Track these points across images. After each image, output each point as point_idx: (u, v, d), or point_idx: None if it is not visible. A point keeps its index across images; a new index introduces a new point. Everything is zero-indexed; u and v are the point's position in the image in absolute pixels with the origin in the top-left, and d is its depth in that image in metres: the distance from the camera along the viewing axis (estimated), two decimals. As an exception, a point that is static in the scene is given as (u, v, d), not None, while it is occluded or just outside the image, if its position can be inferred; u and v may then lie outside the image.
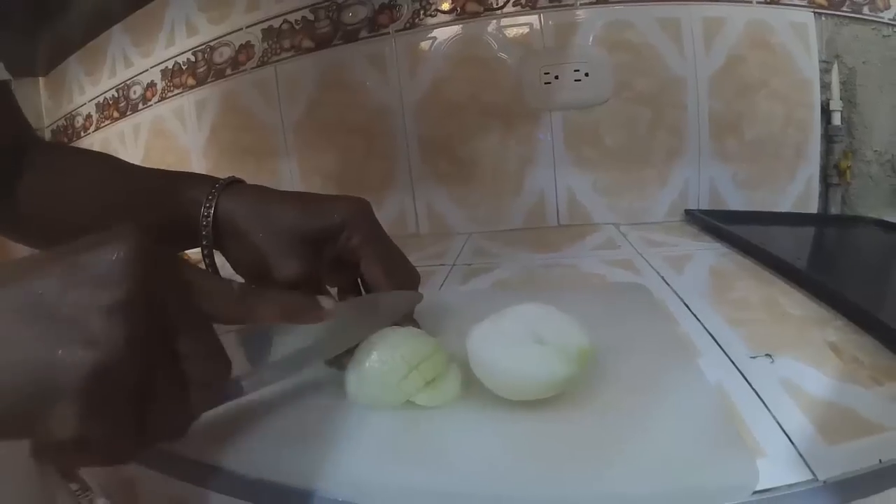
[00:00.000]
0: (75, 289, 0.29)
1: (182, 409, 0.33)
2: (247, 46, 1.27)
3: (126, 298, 0.29)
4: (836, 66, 1.11)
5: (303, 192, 0.58)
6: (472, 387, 0.47)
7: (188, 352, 0.33)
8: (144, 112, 1.44)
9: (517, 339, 0.45)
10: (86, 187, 0.60)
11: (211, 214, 0.55)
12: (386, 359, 0.46)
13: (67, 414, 0.27)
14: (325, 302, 0.44)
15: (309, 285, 0.53)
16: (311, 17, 1.20)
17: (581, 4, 1.08)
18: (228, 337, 0.40)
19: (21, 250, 0.67)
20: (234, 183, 0.58)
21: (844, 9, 1.10)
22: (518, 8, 1.10)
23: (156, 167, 0.63)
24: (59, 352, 0.27)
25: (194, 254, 0.58)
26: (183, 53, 1.35)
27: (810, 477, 0.37)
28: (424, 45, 1.15)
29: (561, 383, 0.44)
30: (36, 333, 0.27)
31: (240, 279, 0.55)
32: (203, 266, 0.56)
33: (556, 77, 1.09)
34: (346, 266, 0.57)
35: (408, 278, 0.58)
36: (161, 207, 0.58)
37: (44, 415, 0.27)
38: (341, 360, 0.50)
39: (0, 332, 0.27)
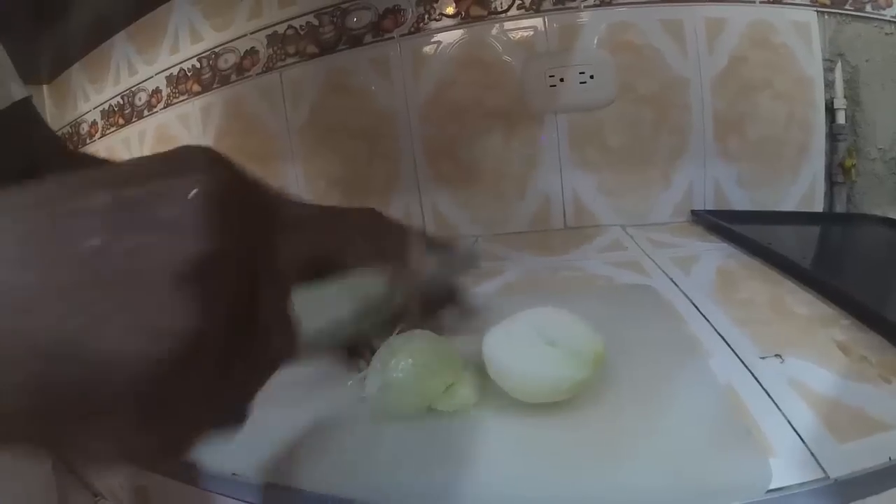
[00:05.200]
0: (123, 238, 0.20)
1: (247, 396, 0.26)
2: (251, 52, 1.27)
3: (207, 265, 0.21)
4: (839, 65, 1.11)
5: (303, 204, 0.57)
6: (486, 391, 0.47)
7: (265, 325, 0.25)
8: (149, 119, 1.44)
9: (532, 343, 0.45)
10: None
11: None
12: (408, 364, 0.46)
13: (119, 425, 0.20)
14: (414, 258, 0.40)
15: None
16: (315, 22, 1.21)
17: (584, 7, 1.09)
18: None
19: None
20: None
21: (847, 7, 1.10)
22: (522, 11, 1.11)
23: None
24: (107, 339, 0.19)
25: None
26: (188, 60, 1.35)
27: (822, 475, 0.37)
28: (429, 49, 1.15)
29: (577, 385, 0.44)
30: (66, 305, 0.19)
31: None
32: None
33: (562, 80, 1.10)
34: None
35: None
36: None
37: (83, 422, 0.20)
38: (359, 356, 0.51)
39: (24, 296, 0.19)
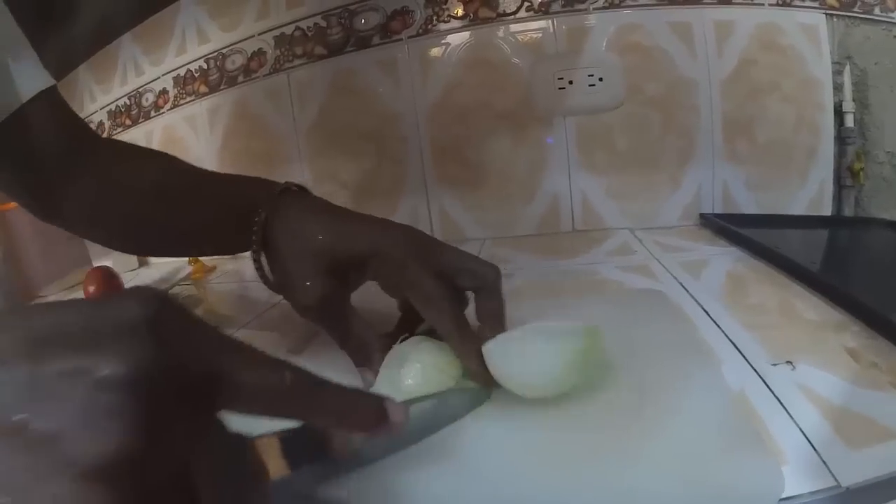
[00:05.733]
0: (37, 418, 0.19)
1: None
2: (259, 54, 1.27)
3: (110, 455, 0.19)
4: (847, 68, 1.11)
5: (345, 211, 0.56)
6: (491, 398, 0.48)
7: (207, 485, 0.24)
8: (156, 119, 1.44)
9: (531, 340, 0.47)
10: (148, 188, 0.62)
11: (263, 221, 0.54)
12: (418, 369, 0.47)
13: None
14: (394, 412, 0.33)
15: (326, 313, 0.53)
16: (323, 24, 1.21)
17: (594, 9, 1.08)
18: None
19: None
20: (290, 190, 0.57)
21: (855, 10, 1.10)
22: (531, 13, 1.11)
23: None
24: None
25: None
26: (195, 61, 1.35)
27: (833, 483, 0.37)
28: (437, 50, 1.15)
29: (578, 358, 0.45)
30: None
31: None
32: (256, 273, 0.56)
33: (570, 82, 1.10)
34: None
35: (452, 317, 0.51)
36: (221, 214, 0.58)
37: None
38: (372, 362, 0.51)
39: None
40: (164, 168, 0.65)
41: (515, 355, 0.46)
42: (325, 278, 0.52)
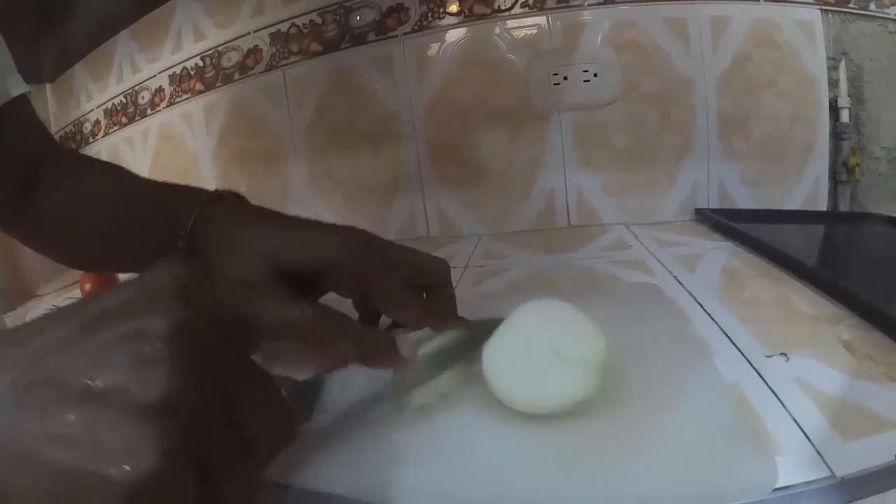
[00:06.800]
0: (102, 379, 0.23)
1: (248, 486, 0.27)
2: (255, 51, 1.27)
3: (166, 395, 0.23)
4: (843, 64, 1.11)
5: (292, 220, 0.54)
6: (488, 395, 0.47)
7: (248, 417, 0.27)
8: (153, 117, 1.44)
9: (535, 354, 0.44)
10: (98, 204, 0.60)
11: (188, 234, 0.52)
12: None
13: None
14: (405, 347, 0.40)
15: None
16: (318, 20, 1.21)
17: (588, 5, 1.08)
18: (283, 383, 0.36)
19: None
20: (220, 201, 0.55)
21: (851, 6, 1.10)
22: (525, 9, 1.11)
23: (162, 176, 0.61)
24: (94, 469, 0.22)
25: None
26: (191, 59, 1.35)
27: (828, 474, 0.38)
28: (432, 47, 1.15)
29: (581, 400, 0.43)
30: (62, 439, 0.23)
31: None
32: None
33: (566, 78, 1.10)
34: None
35: (440, 308, 0.54)
36: (154, 227, 0.55)
37: None
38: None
39: (27, 433, 0.23)
40: (113, 183, 0.62)
41: (514, 385, 0.44)
42: (275, 287, 0.49)
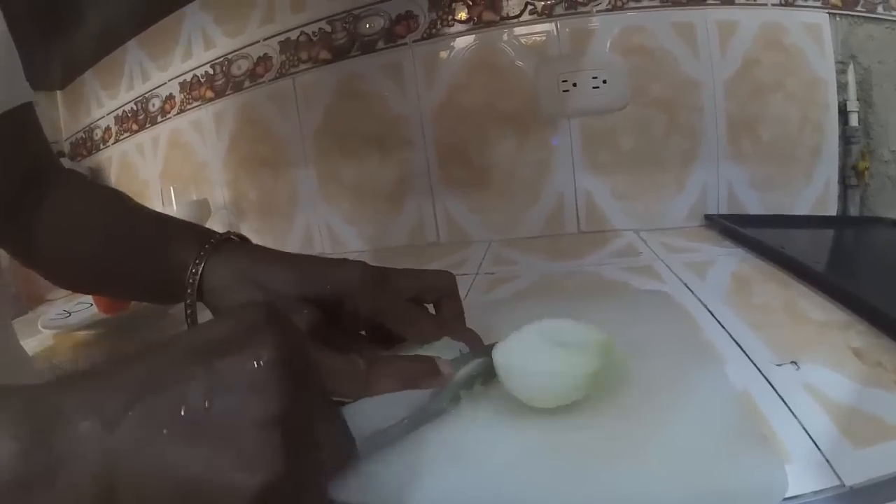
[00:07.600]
0: (221, 399, 0.28)
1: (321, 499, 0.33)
2: (264, 59, 1.28)
3: (280, 411, 0.28)
4: (851, 67, 1.11)
5: (301, 256, 0.55)
6: (495, 397, 0.47)
7: (324, 440, 0.33)
8: (163, 124, 1.46)
9: (542, 349, 0.46)
10: (93, 230, 0.60)
11: (198, 275, 0.53)
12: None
13: None
14: (443, 365, 0.45)
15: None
16: (328, 28, 1.21)
17: (597, 11, 1.09)
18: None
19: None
20: (228, 241, 0.56)
21: (859, 8, 1.10)
22: (534, 16, 1.11)
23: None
24: (223, 476, 0.26)
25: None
26: (201, 66, 1.36)
27: (837, 483, 0.37)
28: (442, 54, 1.16)
29: (590, 379, 0.44)
30: (190, 453, 0.26)
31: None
32: (186, 321, 0.54)
33: (574, 84, 1.10)
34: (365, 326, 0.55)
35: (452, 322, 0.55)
36: (153, 261, 0.56)
37: None
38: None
39: (153, 451, 0.26)
40: (110, 211, 0.62)
41: (526, 372, 0.45)
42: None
